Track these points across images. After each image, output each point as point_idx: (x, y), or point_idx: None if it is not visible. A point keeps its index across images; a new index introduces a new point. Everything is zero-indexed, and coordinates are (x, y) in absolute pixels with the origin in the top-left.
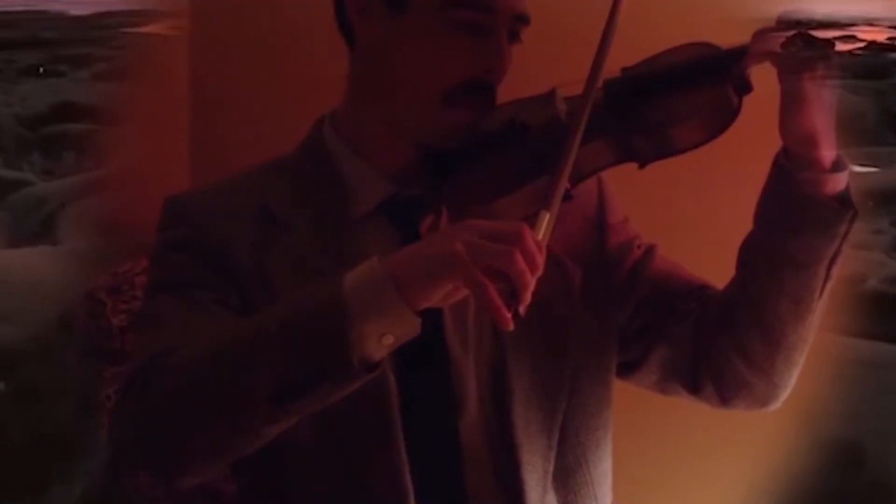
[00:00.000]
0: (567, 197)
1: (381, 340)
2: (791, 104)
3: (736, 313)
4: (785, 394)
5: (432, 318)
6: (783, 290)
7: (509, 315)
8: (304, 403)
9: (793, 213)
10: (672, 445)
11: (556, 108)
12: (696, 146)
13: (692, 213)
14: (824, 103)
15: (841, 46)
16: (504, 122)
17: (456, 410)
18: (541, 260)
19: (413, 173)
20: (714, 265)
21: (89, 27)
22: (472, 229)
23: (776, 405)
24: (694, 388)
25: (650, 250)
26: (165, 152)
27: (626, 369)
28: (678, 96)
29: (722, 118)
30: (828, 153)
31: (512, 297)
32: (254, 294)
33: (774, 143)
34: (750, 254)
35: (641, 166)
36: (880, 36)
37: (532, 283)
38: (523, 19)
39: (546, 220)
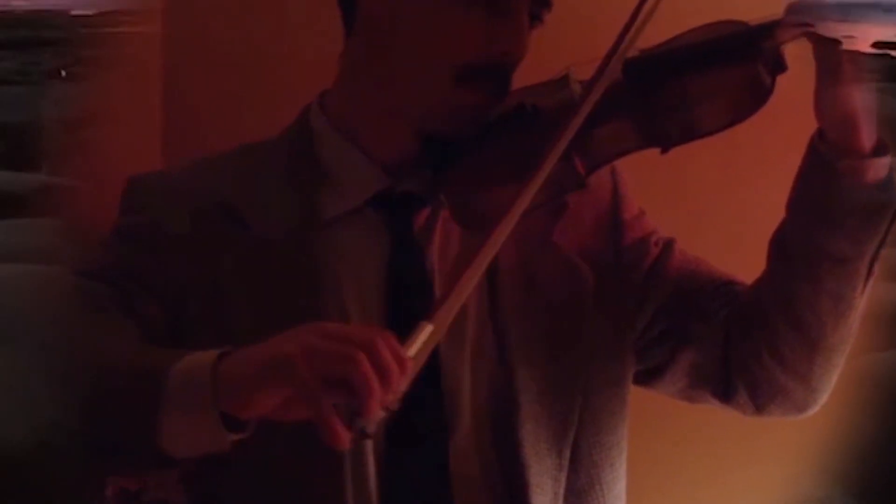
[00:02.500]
0: (579, 186)
1: (184, 443)
2: (828, 81)
3: (769, 313)
4: (824, 398)
5: (421, 315)
6: (822, 287)
7: (347, 434)
8: (114, 467)
9: (832, 203)
10: (687, 461)
11: (571, 89)
12: (724, 128)
13: (712, 202)
14: (863, 81)
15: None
16: (512, 105)
17: (445, 429)
18: (396, 374)
19: (409, 164)
20: (738, 259)
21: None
22: (319, 331)
23: (814, 410)
24: (725, 395)
25: (669, 245)
26: (137, 152)
27: (650, 376)
28: (706, 73)
29: (753, 98)
30: (868, 136)
31: (357, 413)
32: (196, 302)
33: (803, 126)
34: (784, 247)
35: (664, 150)
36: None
37: (378, 396)
38: (545, 2)
39: (426, 332)
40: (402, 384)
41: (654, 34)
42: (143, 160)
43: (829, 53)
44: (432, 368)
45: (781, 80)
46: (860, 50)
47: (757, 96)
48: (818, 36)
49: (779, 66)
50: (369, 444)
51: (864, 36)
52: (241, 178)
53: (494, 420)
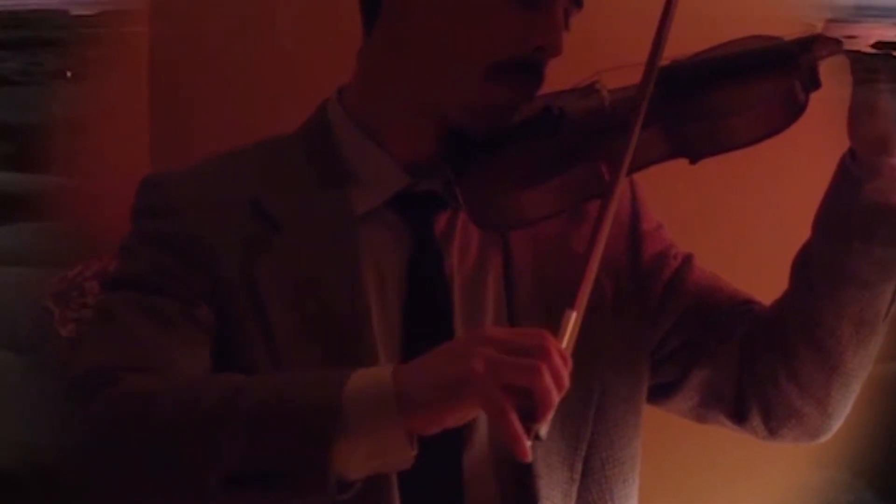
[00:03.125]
0: (603, 193)
1: (366, 462)
2: (864, 105)
3: (789, 334)
4: (838, 424)
5: (440, 324)
6: (844, 311)
7: (529, 444)
8: (255, 496)
9: (859, 224)
10: (698, 474)
11: (601, 96)
12: (755, 141)
13: (730, 218)
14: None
15: None
16: (539, 108)
17: (461, 440)
18: (567, 375)
19: (430, 163)
20: (755, 279)
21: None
22: (491, 341)
23: (827, 437)
24: (738, 416)
25: (688, 260)
26: (126, 150)
27: (662, 393)
28: (741, 85)
29: (787, 113)
30: None
31: (530, 418)
32: (237, 307)
33: (827, 141)
34: (807, 268)
35: (693, 161)
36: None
37: (556, 403)
38: (577, 2)
39: (572, 321)
40: (568, 382)
41: (682, 42)
42: (133, 161)
43: (866, 76)
44: None
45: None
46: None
47: (791, 111)
48: (857, 54)
49: (814, 82)
50: None
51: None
52: (267, 176)
53: None
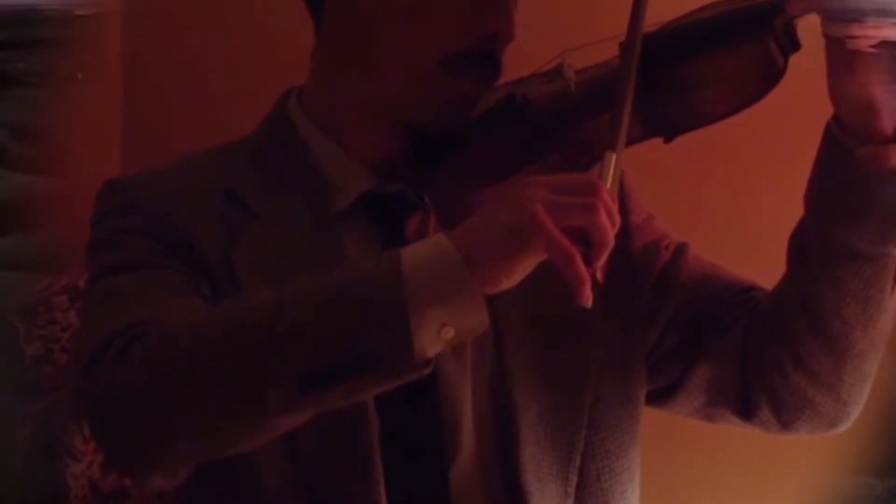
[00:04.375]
0: None
1: (440, 333)
2: (840, 62)
3: (791, 320)
4: (857, 411)
5: None
6: (847, 289)
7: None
8: (333, 394)
9: (852, 195)
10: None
11: (565, 78)
12: (732, 112)
13: (724, 201)
14: (883, 60)
15: None
16: (502, 97)
17: (446, 452)
18: (618, 213)
19: (396, 163)
20: (756, 262)
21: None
22: (541, 184)
23: (847, 425)
24: (747, 412)
25: (681, 250)
26: (97, 155)
27: (664, 395)
28: (712, 53)
29: (765, 79)
30: (890, 119)
31: (587, 261)
32: (221, 289)
33: (822, 117)
34: (803, 247)
35: (668, 139)
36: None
37: (612, 243)
38: None
39: (613, 163)
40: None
41: (659, 12)
42: (103, 166)
43: (839, 29)
44: (430, 386)
45: (795, 68)
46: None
47: (769, 77)
48: (830, 9)
49: (792, 43)
50: (378, 468)
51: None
52: (238, 171)
53: (494, 443)
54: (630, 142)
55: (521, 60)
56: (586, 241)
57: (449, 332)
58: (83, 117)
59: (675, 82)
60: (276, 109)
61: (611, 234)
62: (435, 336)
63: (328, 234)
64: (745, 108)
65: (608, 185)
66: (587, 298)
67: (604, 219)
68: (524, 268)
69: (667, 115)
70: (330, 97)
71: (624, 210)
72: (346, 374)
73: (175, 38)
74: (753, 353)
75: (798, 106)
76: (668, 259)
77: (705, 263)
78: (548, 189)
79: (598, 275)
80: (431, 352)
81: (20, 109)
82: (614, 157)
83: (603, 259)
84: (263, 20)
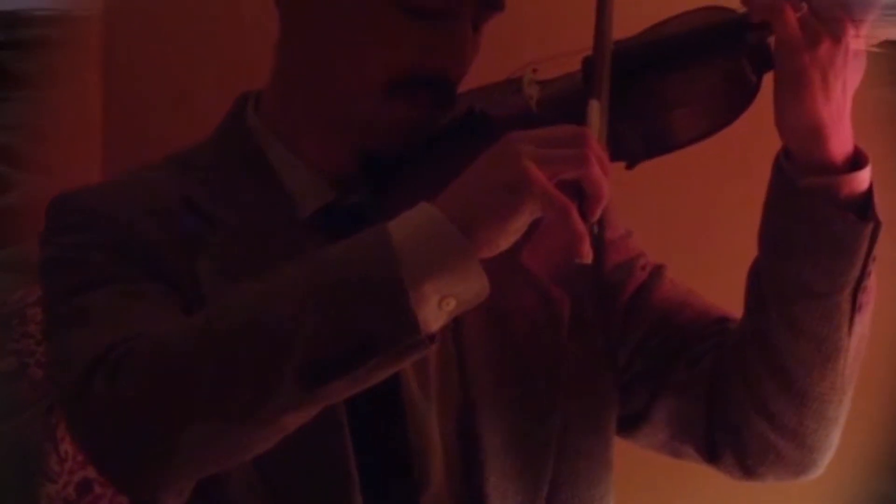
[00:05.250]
0: None
1: (440, 305)
2: (786, 84)
3: (749, 360)
4: (825, 458)
5: None
6: (800, 328)
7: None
8: (340, 384)
9: (799, 230)
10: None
11: (524, 93)
12: (702, 137)
13: (706, 223)
14: (836, 80)
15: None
16: (461, 112)
17: (417, 481)
18: (609, 162)
19: (353, 176)
20: (735, 291)
21: None
22: (526, 139)
23: (815, 473)
24: (709, 454)
25: (657, 272)
26: (78, 155)
27: (628, 424)
28: (680, 72)
29: (735, 100)
30: (839, 148)
31: (586, 214)
32: (188, 304)
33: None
34: (757, 283)
35: (630, 166)
36: None
37: (607, 195)
38: (494, 4)
39: (596, 110)
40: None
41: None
42: (84, 167)
43: (790, 50)
44: (397, 413)
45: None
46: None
47: (741, 97)
48: (783, 25)
49: (766, 61)
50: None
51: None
52: (196, 178)
53: (462, 472)
54: None
55: (483, 71)
56: (580, 194)
57: (450, 303)
58: (63, 120)
59: (640, 106)
60: (231, 115)
61: (605, 184)
62: (436, 309)
63: (291, 245)
64: (716, 132)
65: (596, 134)
66: (587, 254)
67: (596, 169)
68: (519, 228)
69: (629, 141)
70: (285, 107)
71: (599, 226)
72: (351, 361)
73: (155, 40)
74: (718, 391)
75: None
76: (643, 281)
77: (681, 289)
78: (534, 143)
79: (597, 228)
80: (435, 326)
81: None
82: (597, 105)
83: (598, 212)
84: (244, 20)
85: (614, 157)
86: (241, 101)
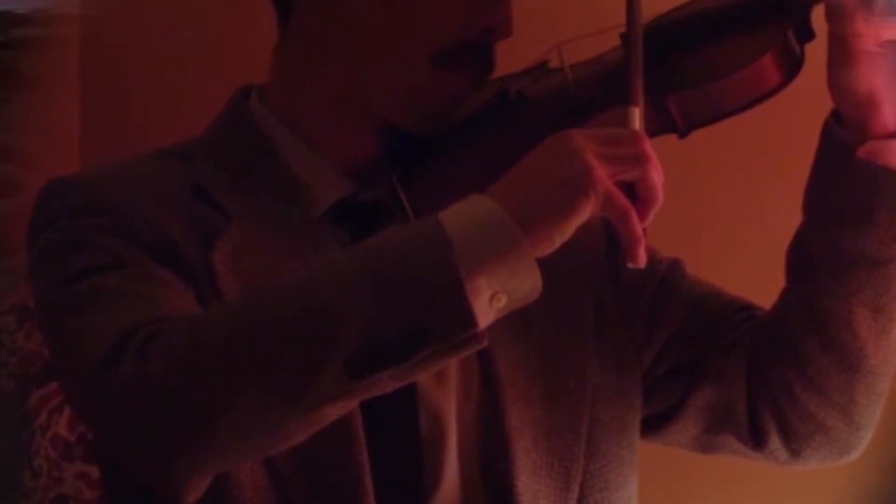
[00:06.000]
0: None
1: (492, 301)
2: (842, 53)
3: (797, 336)
4: (867, 437)
5: None
6: (856, 299)
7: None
8: (385, 377)
9: (855, 196)
10: None
11: (563, 72)
12: (750, 105)
13: (720, 211)
14: (889, 52)
15: None
16: (492, 94)
17: (427, 485)
18: (660, 167)
19: (373, 168)
20: (755, 280)
21: None
22: (587, 137)
23: (857, 453)
24: (753, 440)
25: (676, 267)
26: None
27: (658, 423)
28: (727, 42)
29: (783, 69)
30: (892, 113)
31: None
32: (202, 294)
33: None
34: (806, 256)
35: (682, 135)
36: None
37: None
38: None
39: (637, 117)
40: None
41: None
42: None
43: (843, 13)
44: (409, 409)
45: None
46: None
47: (787, 67)
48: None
49: (806, 31)
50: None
51: None
52: (204, 167)
53: (486, 475)
54: None
55: (507, 54)
56: (633, 196)
57: (501, 300)
58: (41, 118)
59: (689, 74)
60: (230, 109)
61: (661, 188)
62: (487, 305)
63: (307, 239)
64: (763, 101)
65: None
66: (642, 258)
67: (655, 171)
68: (575, 227)
69: (680, 110)
70: (301, 96)
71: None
72: (403, 352)
73: (134, 37)
74: (759, 374)
75: (805, 103)
76: (664, 275)
77: (701, 281)
78: (596, 141)
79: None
80: (484, 322)
81: None
82: (638, 111)
83: (652, 216)
84: (225, 19)
85: (666, 128)
86: (242, 93)
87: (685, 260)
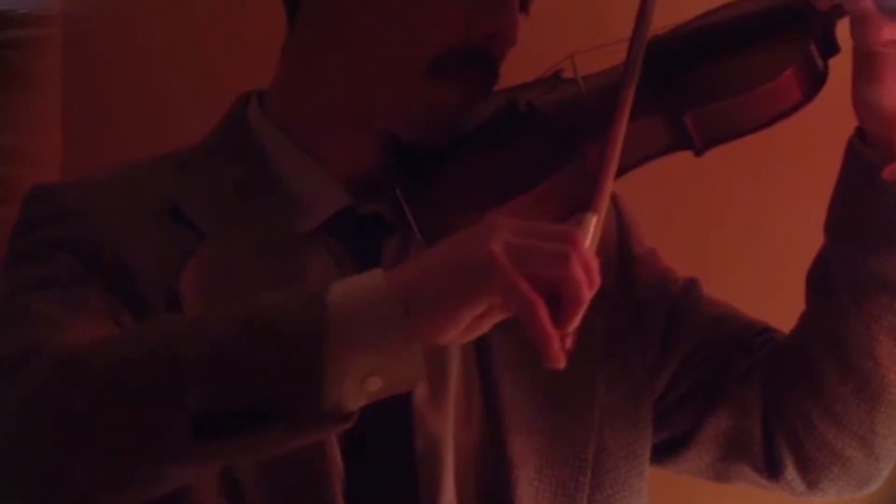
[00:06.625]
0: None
1: (364, 383)
2: (868, 68)
3: (816, 362)
4: (888, 469)
5: None
6: (879, 325)
7: (558, 349)
8: (231, 445)
9: (878, 219)
10: None
11: (577, 83)
12: (770, 122)
13: (738, 229)
14: None
15: None
16: (501, 106)
17: None
18: (597, 273)
19: (374, 179)
20: (774, 302)
21: None
22: (509, 226)
23: (876, 485)
24: (768, 470)
25: (691, 285)
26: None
27: (670, 450)
28: (748, 55)
29: (806, 84)
30: None
31: (561, 323)
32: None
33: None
34: (826, 279)
35: (699, 153)
36: None
37: (587, 302)
38: None
39: (593, 225)
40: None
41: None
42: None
43: (868, 26)
44: (403, 437)
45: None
46: None
47: (810, 83)
48: (859, 9)
49: (830, 46)
50: None
51: None
52: (184, 183)
53: (483, 501)
54: (655, 154)
55: (519, 65)
56: (556, 298)
57: (375, 384)
58: (22, 120)
59: (708, 89)
60: (230, 116)
61: (584, 291)
62: (358, 386)
63: (289, 259)
64: (784, 118)
65: (587, 244)
66: (557, 359)
67: (577, 271)
68: (472, 318)
69: (698, 127)
70: (301, 100)
71: (625, 242)
72: (246, 420)
73: (116, 38)
74: (775, 401)
75: (828, 118)
76: (678, 296)
77: (717, 302)
78: (514, 230)
79: (569, 341)
80: (353, 404)
81: None
82: (595, 219)
83: (575, 321)
84: (210, 19)
85: (681, 145)
86: (242, 100)
87: (695, 271)
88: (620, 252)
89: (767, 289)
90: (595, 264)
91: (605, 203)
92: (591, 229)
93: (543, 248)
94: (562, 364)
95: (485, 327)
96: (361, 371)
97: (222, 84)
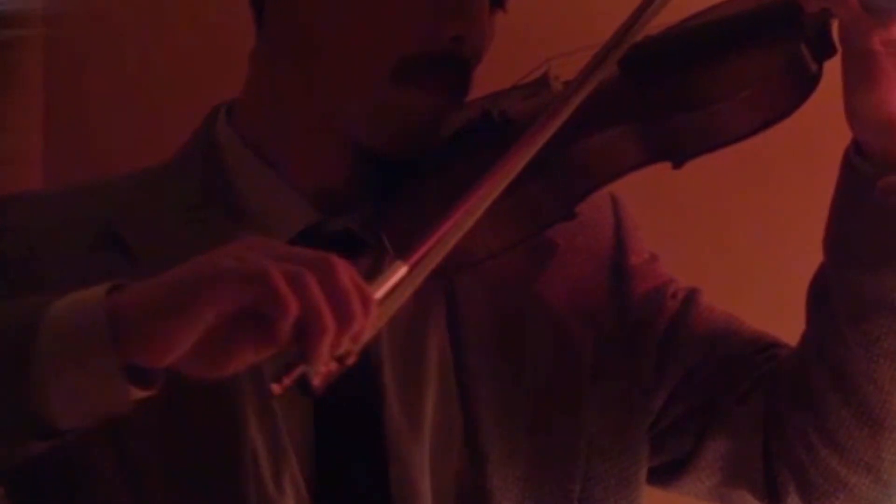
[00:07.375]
0: (566, 216)
1: (75, 402)
2: (859, 74)
3: (815, 385)
4: None
5: (366, 393)
6: (880, 348)
7: (280, 382)
8: None
9: (880, 235)
10: None
11: (551, 90)
12: (757, 130)
13: (740, 237)
14: None
15: None
16: (475, 115)
17: None
18: (359, 312)
19: (344, 194)
20: (779, 313)
21: None
22: (251, 245)
23: None
24: (771, 496)
25: (691, 298)
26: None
27: (670, 472)
28: (733, 59)
29: (795, 89)
30: None
31: (301, 356)
32: None
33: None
34: (824, 298)
35: (677, 165)
36: None
37: (331, 336)
38: None
39: (398, 273)
40: (363, 332)
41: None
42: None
43: (857, 33)
44: (377, 461)
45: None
46: None
47: (800, 86)
48: (849, 10)
49: (826, 46)
50: None
51: None
52: (128, 203)
53: None
54: (632, 167)
55: (496, 71)
56: (302, 331)
57: (82, 406)
58: (3, 121)
59: (689, 95)
60: (199, 131)
61: (325, 319)
62: (69, 404)
63: None
64: (772, 125)
65: (377, 294)
66: (269, 390)
67: (315, 295)
68: (195, 336)
69: (678, 136)
70: (266, 110)
71: (622, 250)
72: None
73: (99, 37)
74: (777, 424)
75: (841, 124)
76: (677, 310)
77: (720, 315)
78: (250, 249)
79: (317, 381)
80: (65, 423)
81: None
82: (404, 269)
83: (316, 354)
84: (191, 21)
85: (660, 156)
86: (213, 114)
87: (697, 276)
88: (614, 263)
89: (773, 296)
90: (361, 304)
91: (421, 258)
92: (393, 279)
93: (277, 269)
94: (277, 392)
95: (239, 356)
96: (73, 389)
97: (204, 85)
